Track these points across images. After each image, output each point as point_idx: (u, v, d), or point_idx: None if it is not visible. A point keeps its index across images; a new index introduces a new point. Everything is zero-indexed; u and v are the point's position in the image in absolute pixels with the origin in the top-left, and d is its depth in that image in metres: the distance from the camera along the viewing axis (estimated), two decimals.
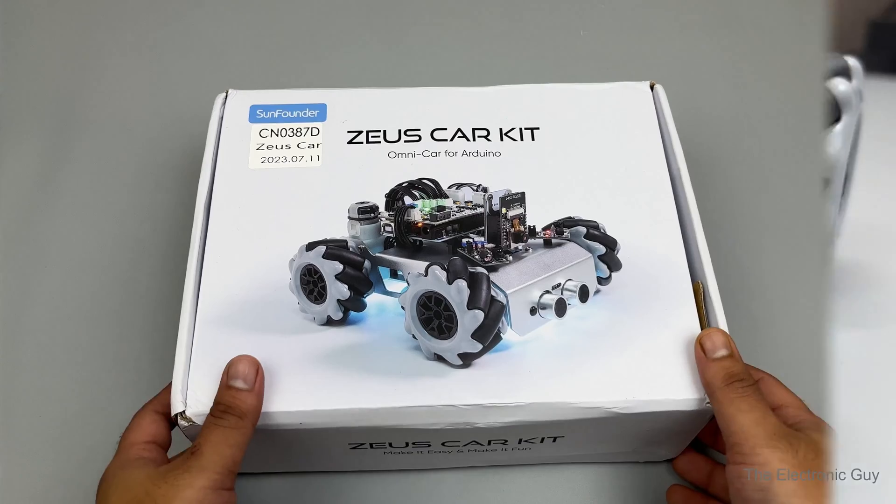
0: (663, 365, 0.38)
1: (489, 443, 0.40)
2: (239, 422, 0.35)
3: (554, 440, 0.40)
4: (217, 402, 0.36)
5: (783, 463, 0.33)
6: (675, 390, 0.37)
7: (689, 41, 0.64)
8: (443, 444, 0.40)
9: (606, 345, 0.38)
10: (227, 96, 0.47)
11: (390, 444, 0.39)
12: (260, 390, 0.36)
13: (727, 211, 0.55)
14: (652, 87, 0.48)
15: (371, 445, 0.39)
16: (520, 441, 0.40)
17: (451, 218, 0.42)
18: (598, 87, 0.49)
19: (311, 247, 0.41)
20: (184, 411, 0.36)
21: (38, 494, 0.44)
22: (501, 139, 0.46)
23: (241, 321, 0.39)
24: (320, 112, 0.47)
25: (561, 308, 0.39)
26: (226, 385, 0.36)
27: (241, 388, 0.35)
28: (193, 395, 0.37)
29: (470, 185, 0.44)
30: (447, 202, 0.43)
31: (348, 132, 0.46)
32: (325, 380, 0.37)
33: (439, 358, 0.38)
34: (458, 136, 0.46)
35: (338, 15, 0.65)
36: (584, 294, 0.40)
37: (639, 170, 0.45)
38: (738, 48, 0.64)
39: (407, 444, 0.39)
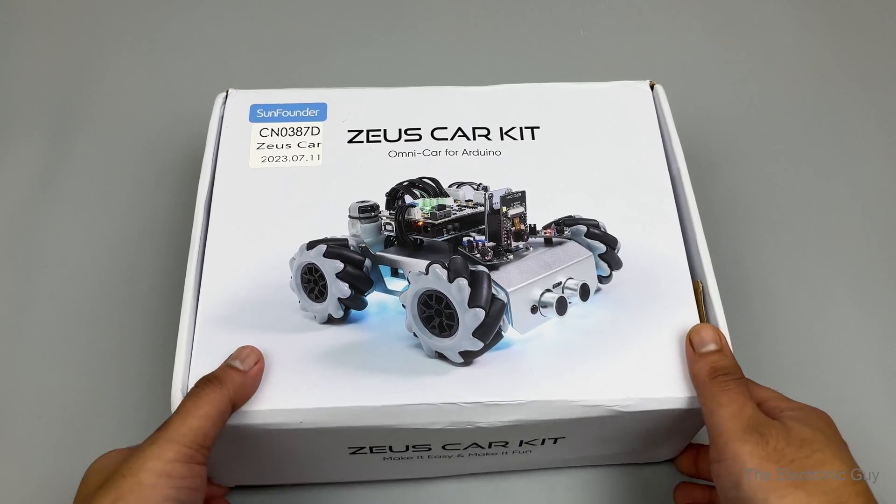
0: (664, 363, 0.38)
1: (490, 445, 0.40)
2: (217, 393, 0.34)
3: (555, 442, 0.40)
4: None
5: (752, 456, 0.32)
6: (676, 388, 0.37)
7: (689, 41, 0.64)
8: (443, 447, 0.39)
9: (607, 343, 0.38)
10: (227, 96, 0.47)
11: (390, 448, 0.39)
12: (255, 375, 0.36)
13: (727, 210, 0.55)
14: (652, 87, 0.49)
15: (371, 450, 0.39)
16: (521, 444, 0.40)
17: (452, 217, 0.41)
18: (598, 86, 0.49)
19: (311, 245, 0.41)
20: None
21: (38, 494, 0.44)
22: (502, 138, 0.46)
23: (241, 320, 0.39)
24: (320, 111, 0.47)
25: (562, 306, 0.39)
26: (224, 364, 0.36)
27: (234, 366, 0.36)
28: None
29: (470, 183, 0.44)
30: (447, 201, 0.43)
31: (348, 131, 0.46)
32: (326, 378, 0.37)
33: (440, 356, 0.38)
34: (459, 136, 0.46)
35: (338, 15, 0.65)
36: (584, 293, 0.40)
37: (639, 169, 0.45)
38: (738, 48, 0.64)
39: (407, 448, 0.39)
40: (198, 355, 0.38)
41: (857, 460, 0.35)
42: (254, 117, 0.46)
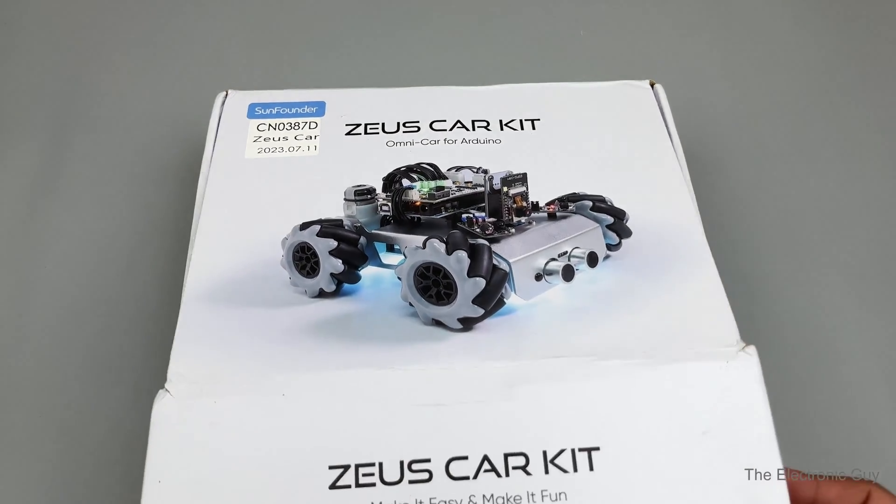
0: (681, 322, 0.35)
1: (507, 472, 0.35)
2: None
3: (590, 465, 0.33)
4: None
5: None
6: (696, 344, 0.34)
7: (689, 41, 0.64)
8: (447, 468, 0.33)
9: (619, 304, 0.36)
10: (226, 96, 0.47)
11: (381, 477, 0.33)
12: None
13: (727, 209, 0.53)
14: (652, 86, 0.48)
15: (357, 480, 0.32)
16: (546, 469, 0.33)
17: (451, 196, 0.40)
18: (598, 86, 0.49)
19: (305, 226, 0.39)
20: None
21: (37, 494, 0.42)
22: (501, 129, 0.45)
23: (227, 297, 0.37)
24: (319, 108, 0.47)
25: (568, 273, 0.36)
26: None
27: None
28: (174, 370, 0.34)
29: (470, 167, 0.42)
30: (446, 183, 0.41)
31: (346, 125, 0.46)
32: (313, 347, 0.34)
33: (438, 323, 0.35)
34: (458, 127, 0.45)
35: (339, 15, 0.65)
36: (592, 260, 0.37)
37: (645, 161, 0.44)
38: (737, 47, 0.63)
39: (402, 477, 0.33)
40: (182, 329, 0.35)
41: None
42: (252, 114, 0.46)
